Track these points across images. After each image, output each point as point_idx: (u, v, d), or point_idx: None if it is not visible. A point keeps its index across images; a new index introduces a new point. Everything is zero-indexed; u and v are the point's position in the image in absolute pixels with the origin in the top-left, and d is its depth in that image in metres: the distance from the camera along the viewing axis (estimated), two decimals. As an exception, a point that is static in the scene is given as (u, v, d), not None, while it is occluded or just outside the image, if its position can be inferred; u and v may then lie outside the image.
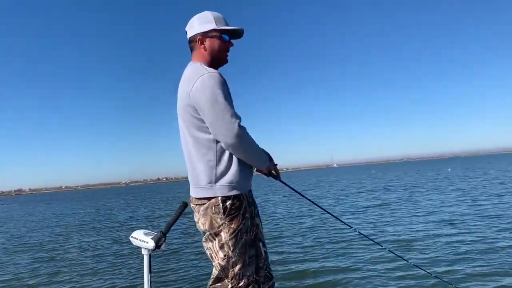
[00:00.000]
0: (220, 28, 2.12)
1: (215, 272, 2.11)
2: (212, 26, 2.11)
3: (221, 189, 2.04)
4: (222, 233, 2.05)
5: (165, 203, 25.32)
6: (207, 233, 2.10)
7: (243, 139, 1.97)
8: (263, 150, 2.20)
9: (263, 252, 2.27)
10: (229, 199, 2.04)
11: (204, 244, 2.16)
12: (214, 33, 2.12)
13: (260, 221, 2.34)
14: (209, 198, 2.06)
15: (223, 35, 2.12)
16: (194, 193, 2.15)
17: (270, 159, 2.26)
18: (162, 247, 2.26)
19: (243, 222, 2.08)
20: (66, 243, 10.31)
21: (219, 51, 2.15)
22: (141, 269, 2.40)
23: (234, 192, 2.05)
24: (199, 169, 2.08)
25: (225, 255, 2.05)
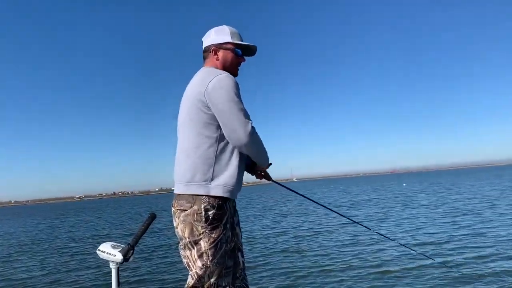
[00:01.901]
0: (234, 41, 2.21)
1: (190, 281, 2.06)
2: (227, 39, 2.20)
3: (215, 188, 2.02)
4: (201, 242, 2.00)
5: (128, 219, 24.41)
6: (186, 240, 2.04)
7: (255, 139, 2.02)
8: None
9: (241, 262, 2.26)
10: (213, 208, 2.00)
11: (181, 252, 2.10)
12: (229, 46, 2.20)
13: (240, 230, 2.32)
14: (192, 203, 2.02)
15: (236, 49, 2.21)
16: (184, 189, 2.06)
17: None
18: (130, 259, 2.21)
19: (224, 232, 2.05)
20: (13, 267, 9.54)
21: (231, 63, 2.22)
22: (109, 283, 2.31)
23: (227, 194, 2.04)
24: (196, 165, 2.04)
25: (203, 265, 2.00)
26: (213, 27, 2.29)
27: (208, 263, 2.00)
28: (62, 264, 9.01)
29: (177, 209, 2.09)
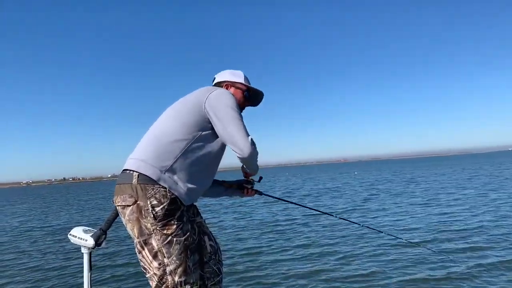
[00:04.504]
0: (246, 83, 2.33)
1: (152, 284, 1.90)
2: (241, 80, 2.33)
3: (168, 180, 1.88)
4: (152, 240, 1.84)
5: (84, 206, 23.33)
6: (136, 240, 1.89)
7: (255, 151, 2.02)
8: None
9: (208, 246, 2.18)
10: (162, 204, 1.84)
11: (137, 255, 1.92)
12: (240, 86, 2.32)
13: (202, 218, 2.25)
14: (136, 197, 1.86)
15: (246, 91, 2.32)
16: (135, 165, 1.92)
17: None
18: (103, 244, 2.18)
19: (180, 226, 1.89)
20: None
21: (238, 102, 2.21)
22: (81, 268, 2.28)
23: (176, 193, 1.89)
24: (160, 149, 1.93)
25: (160, 264, 1.85)
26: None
27: (166, 261, 1.85)
28: (28, 251, 8.73)
29: (119, 205, 1.92)
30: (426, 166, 55.43)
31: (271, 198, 2.77)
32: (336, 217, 3.01)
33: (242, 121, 2.01)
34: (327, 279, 5.09)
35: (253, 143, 1.98)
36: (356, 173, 45.95)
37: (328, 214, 3.02)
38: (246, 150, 1.94)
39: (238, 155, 1.98)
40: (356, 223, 3.19)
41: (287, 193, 20.61)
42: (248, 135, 1.98)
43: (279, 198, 2.86)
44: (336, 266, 5.58)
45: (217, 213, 13.01)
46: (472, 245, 6.22)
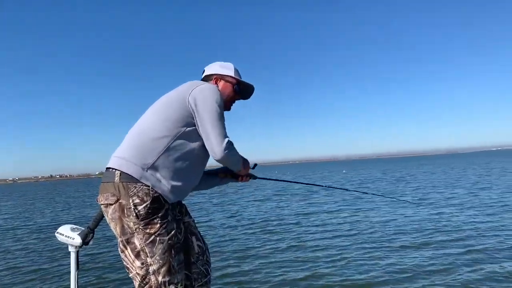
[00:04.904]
0: (236, 77, 2.26)
1: (135, 284, 1.86)
2: (230, 73, 2.26)
3: (150, 177, 1.85)
4: (135, 239, 1.82)
5: (71, 204, 23.21)
6: (119, 239, 1.86)
7: (230, 155, 1.96)
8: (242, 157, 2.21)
9: (196, 246, 2.15)
10: (144, 202, 1.81)
11: (120, 254, 1.89)
12: (230, 79, 2.25)
13: (191, 217, 2.22)
14: (118, 196, 1.83)
15: (236, 85, 2.25)
16: (117, 164, 1.89)
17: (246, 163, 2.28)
18: (90, 243, 2.17)
19: (164, 225, 1.86)
20: None
21: (228, 96, 2.23)
22: (68, 266, 2.23)
23: (159, 190, 1.86)
24: (142, 146, 1.89)
25: (142, 263, 1.82)
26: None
27: (149, 261, 1.82)
28: (13, 250, 8.55)
29: (103, 204, 1.90)
30: (414, 165, 55.92)
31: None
32: (325, 187, 3.05)
33: (222, 121, 1.97)
34: (322, 282, 4.99)
35: (228, 146, 1.94)
36: (344, 171, 46.29)
37: (318, 186, 3.02)
38: (218, 153, 1.91)
39: (212, 156, 1.98)
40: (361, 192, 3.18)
41: (278, 190, 20.50)
42: (225, 136, 1.94)
43: (275, 179, 2.87)
44: (332, 269, 5.48)
45: (206, 212, 12.90)
46: (469, 248, 6.13)
